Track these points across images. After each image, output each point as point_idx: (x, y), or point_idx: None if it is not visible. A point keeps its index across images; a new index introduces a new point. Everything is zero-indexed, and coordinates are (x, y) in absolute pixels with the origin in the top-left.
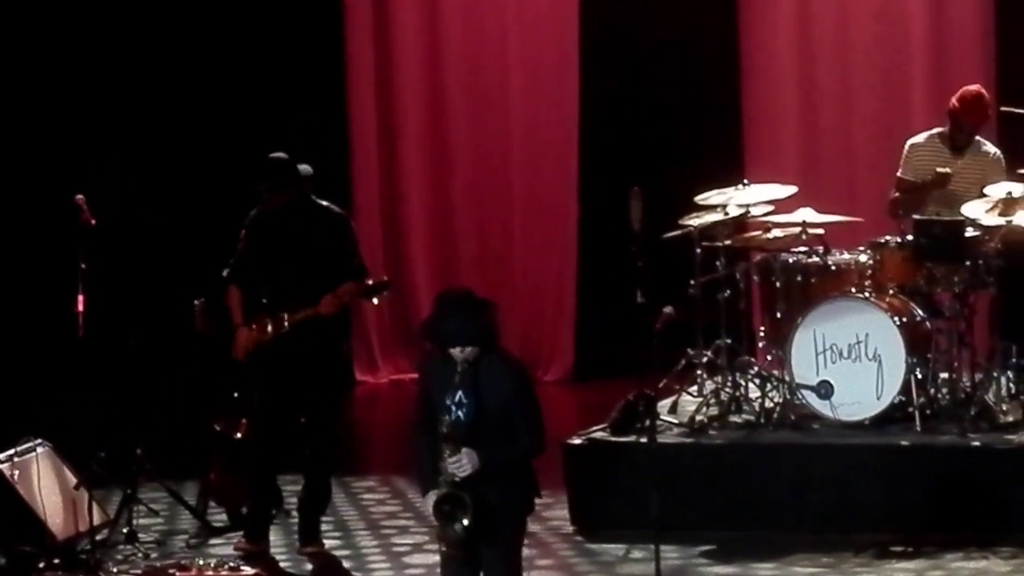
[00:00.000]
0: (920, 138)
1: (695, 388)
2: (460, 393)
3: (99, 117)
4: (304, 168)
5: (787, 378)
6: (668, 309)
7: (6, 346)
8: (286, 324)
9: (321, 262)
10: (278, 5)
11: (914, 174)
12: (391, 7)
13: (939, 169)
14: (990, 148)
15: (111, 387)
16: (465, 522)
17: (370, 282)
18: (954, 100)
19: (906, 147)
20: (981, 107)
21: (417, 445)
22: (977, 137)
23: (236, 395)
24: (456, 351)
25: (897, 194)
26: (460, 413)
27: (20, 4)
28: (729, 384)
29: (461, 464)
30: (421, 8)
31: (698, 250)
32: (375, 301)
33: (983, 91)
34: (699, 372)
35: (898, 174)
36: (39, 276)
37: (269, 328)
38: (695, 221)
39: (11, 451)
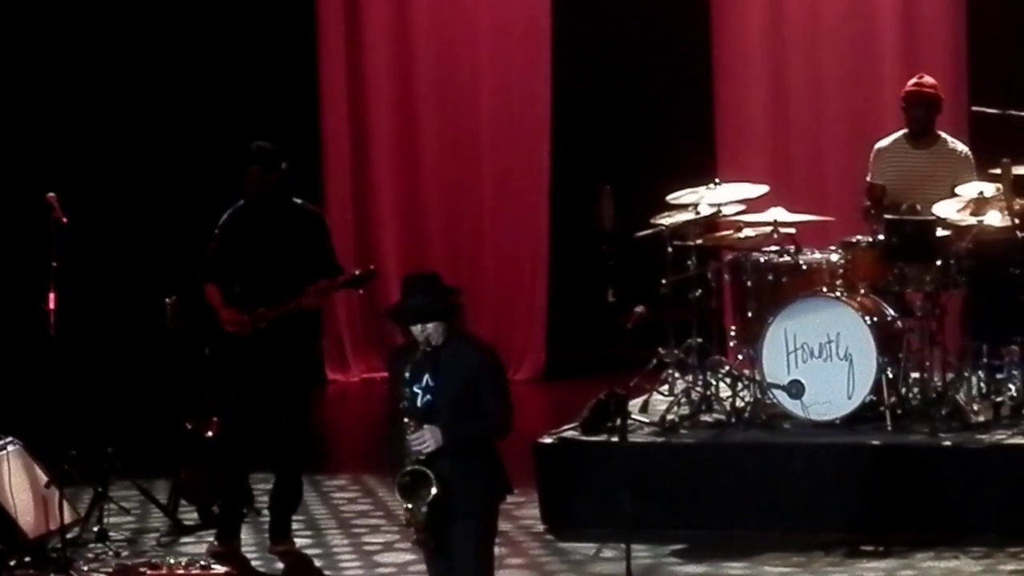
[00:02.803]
0: (885, 142)
1: (666, 387)
2: (427, 377)
3: (70, 115)
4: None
5: (758, 377)
6: (639, 308)
7: None
8: (266, 320)
9: (296, 260)
10: (250, 1)
11: (883, 177)
12: (363, 4)
13: (908, 204)
14: (958, 146)
15: (82, 385)
16: (430, 494)
17: (357, 272)
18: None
19: (872, 152)
20: (920, 89)
21: (390, 436)
22: (943, 135)
23: (206, 395)
24: (418, 330)
25: (868, 203)
26: (428, 396)
27: None
28: (700, 383)
29: (424, 439)
30: (393, 5)
31: (669, 249)
32: (360, 291)
33: (925, 76)
34: (670, 371)
35: (867, 179)
36: (10, 275)
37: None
38: (666, 220)
39: None
